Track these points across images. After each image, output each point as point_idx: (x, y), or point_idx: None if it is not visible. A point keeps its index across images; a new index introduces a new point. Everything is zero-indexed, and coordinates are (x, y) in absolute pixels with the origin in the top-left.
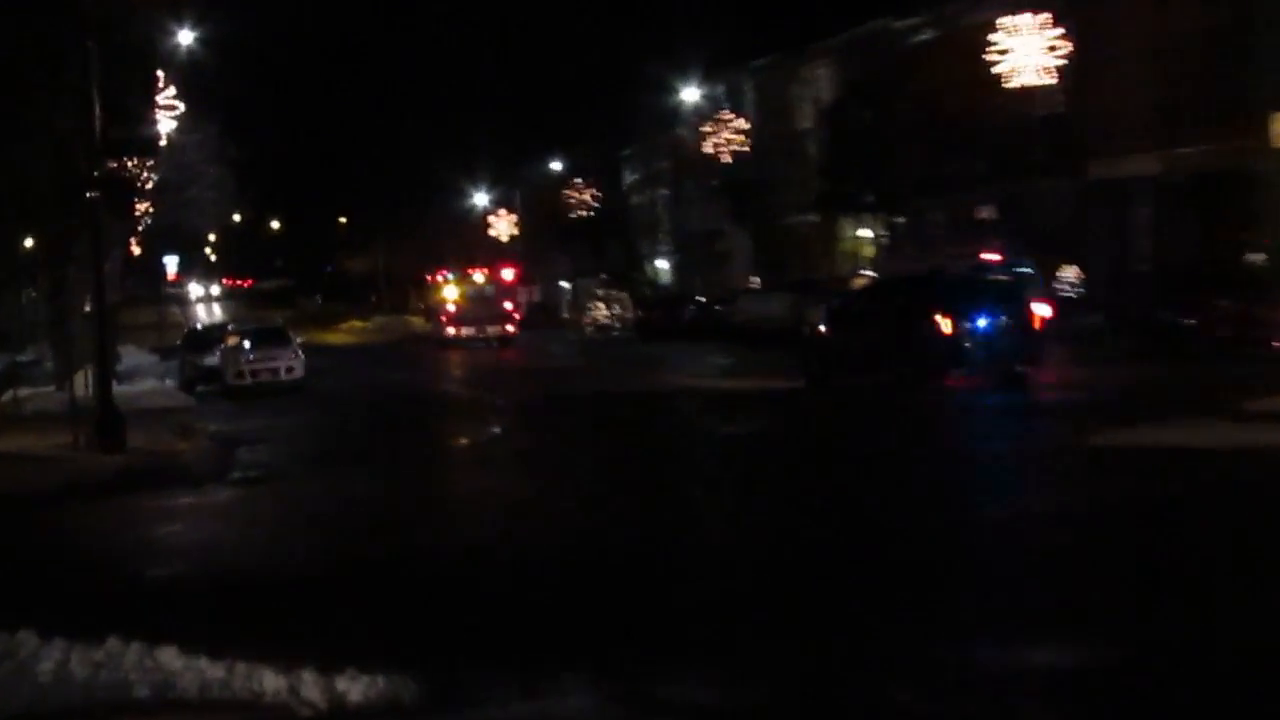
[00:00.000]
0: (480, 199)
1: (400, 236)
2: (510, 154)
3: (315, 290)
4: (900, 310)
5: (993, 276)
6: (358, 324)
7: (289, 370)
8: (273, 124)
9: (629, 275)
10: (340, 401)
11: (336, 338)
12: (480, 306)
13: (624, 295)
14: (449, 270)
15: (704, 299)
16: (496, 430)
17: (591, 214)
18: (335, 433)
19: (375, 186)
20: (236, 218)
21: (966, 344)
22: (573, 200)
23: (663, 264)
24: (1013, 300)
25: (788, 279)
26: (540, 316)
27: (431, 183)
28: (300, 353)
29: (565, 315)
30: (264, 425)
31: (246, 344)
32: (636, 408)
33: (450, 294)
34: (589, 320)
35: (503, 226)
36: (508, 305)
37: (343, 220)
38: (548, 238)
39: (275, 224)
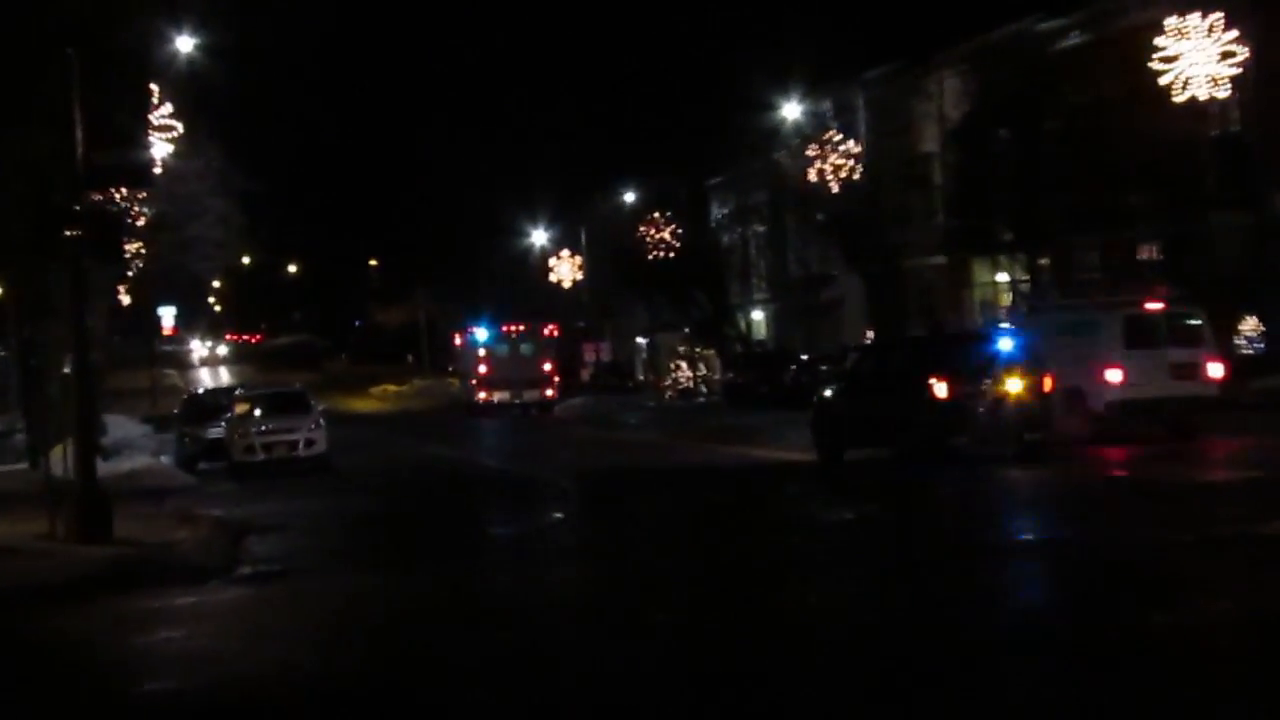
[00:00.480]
0: (539, 238)
1: (444, 284)
2: (575, 184)
3: (341, 348)
4: (899, 374)
5: (1002, 334)
6: (392, 389)
7: (309, 444)
8: (290, 149)
9: (717, 329)
10: (370, 482)
11: (367, 405)
12: (515, 367)
13: (711, 354)
14: (480, 326)
15: (807, 357)
16: (557, 516)
17: (672, 256)
18: (364, 520)
19: (414, 225)
20: (246, 261)
21: (967, 410)
22: (650, 239)
23: (758, 316)
24: (1022, 358)
25: (909, 333)
26: (611, 378)
27: (481, 220)
28: (322, 423)
29: (641, 377)
30: (279, 510)
31: (258, 413)
32: (721, 486)
33: (481, 353)
34: (669, 383)
35: (565, 270)
36: (547, 366)
37: (374, 264)
38: (619, 284)
39: (292, 268)
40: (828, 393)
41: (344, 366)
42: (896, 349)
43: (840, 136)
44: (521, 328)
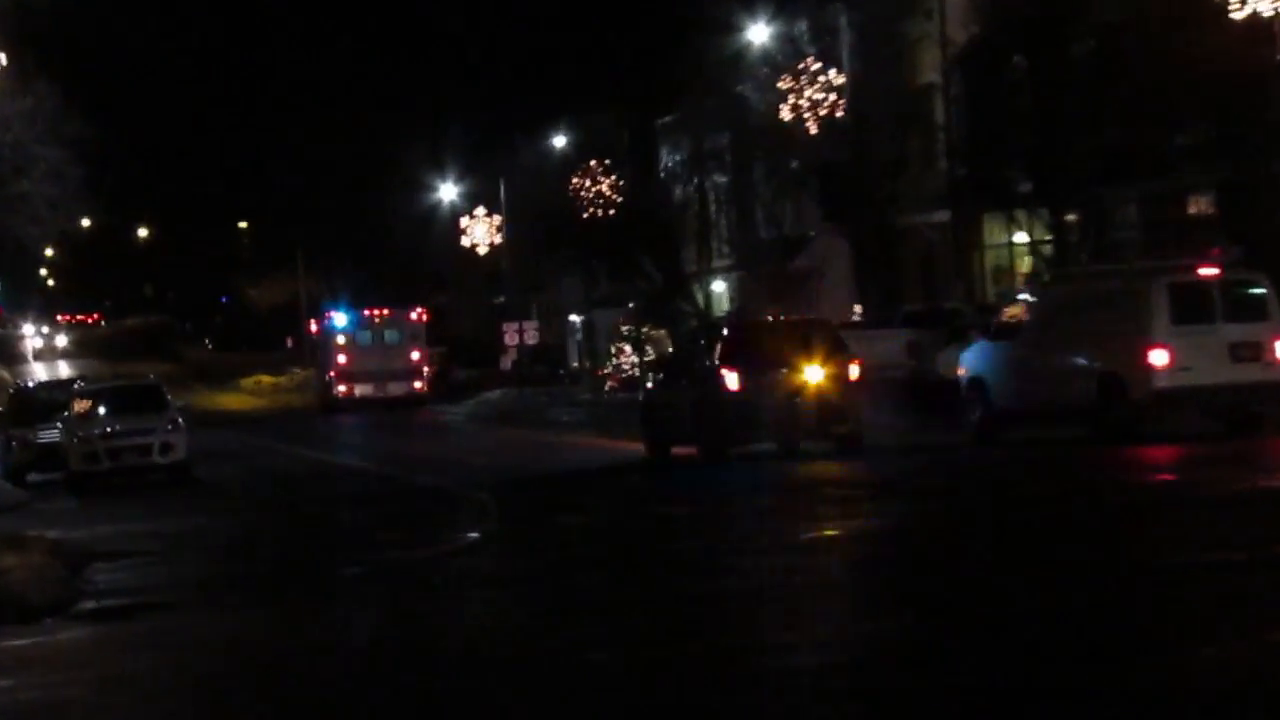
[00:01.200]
0: (448, 193)
1: (330, 252)
2: (491, 128)
3: (204, 332)
4: (702, 364)
5: (806, 319)
6: (267, 380)
7: (165, 449)
8: (142, 88)
9: (669, 304)
10: (241, 496)
11: (236, 401)
12: (379, 357)
13: (661, 334)
14: (338, 310)
15: None
16: (472, 537)
17: (613, 214)
18: (234, 544)
19: (292, 180)
20: (86, 224)
21: (760, 404)
22: (585, 194)
23: (719, 287)
24: (823, 350)
25: (905, 309)
26: (537, 367)
27: (376, 173)
28: (181, 423)
29: (575, 364)
30: (129, 532)
31: (102, 411)
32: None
33: (340, 341)
34: (608, 371)
35: (480, 233)
36: (415, 355)
37: (244, 228)
38: (548, 250)
39: (143, 233)
40: (650, 384)
41: (207, 354)
42: (715, 333)
43: (819, 65)
44: (385, 312)
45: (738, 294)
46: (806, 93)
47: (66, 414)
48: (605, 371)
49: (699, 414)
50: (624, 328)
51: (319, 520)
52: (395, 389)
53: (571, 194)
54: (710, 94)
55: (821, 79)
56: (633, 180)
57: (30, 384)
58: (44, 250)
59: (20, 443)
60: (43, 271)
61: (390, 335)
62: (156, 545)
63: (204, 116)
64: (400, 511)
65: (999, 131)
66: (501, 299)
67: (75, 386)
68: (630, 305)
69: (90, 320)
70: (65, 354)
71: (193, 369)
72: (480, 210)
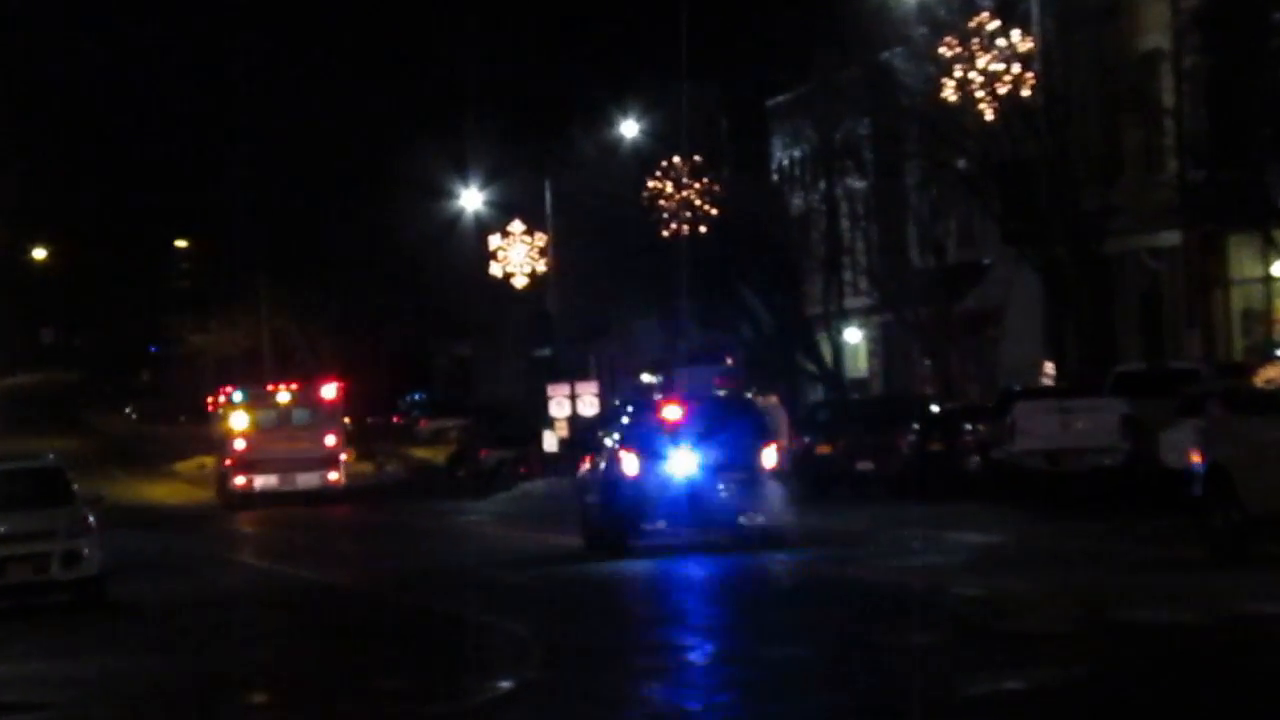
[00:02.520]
0: (472, 201)
1: (307, 282)
2: (532, 110)
3: (126, 393)
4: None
5: (723, 394)
6: (212, 463)
7: (70, 560)
8: (47, 63)
9: (784, 359)
10: (174, 625)
11: (170, 491)
12: (286, 441)
13: (773, 402)
14: (237, 387)
15: (943, 409)
16: (504, 687)
17: (707, 231)
18: (167, 695)
19: (253, 183)
20: None
21: (662, 488)
22: (666, 203)
23: (854, 336)
24: (742, 425)
25: (1118, 368)
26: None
27: (372, 175)
28: (93, 523)
29: None
30: (17, 678)
31: None
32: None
33: (238, 423)
34: None
35: (517, 257)
36: (330, 440)
37: (184, 249)
38: (613, 282)
39: (40, 254)
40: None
41: (130, 426)
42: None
43: (997, 24)
44: (293, 387)
45: (880, 345)
46: (980, 63)
47: None
48: None
49: (603, 501)
50: (721, 392)
51: (289, 660)
52: (304, 480)
53: (646, 202)
54: (844, 64)
55: (1001, 44)
56: (734, 184)
57: None
58: None
59: None
60: None
61: (298, 415)
62: (56, 697)
63: (130, 98)
64: (403, 649)
65: (1253, 119)
66: (547, 351)
67: None
68: (729, 361)
69: None
70: None
71: (110, 446)
72: (517, 226)
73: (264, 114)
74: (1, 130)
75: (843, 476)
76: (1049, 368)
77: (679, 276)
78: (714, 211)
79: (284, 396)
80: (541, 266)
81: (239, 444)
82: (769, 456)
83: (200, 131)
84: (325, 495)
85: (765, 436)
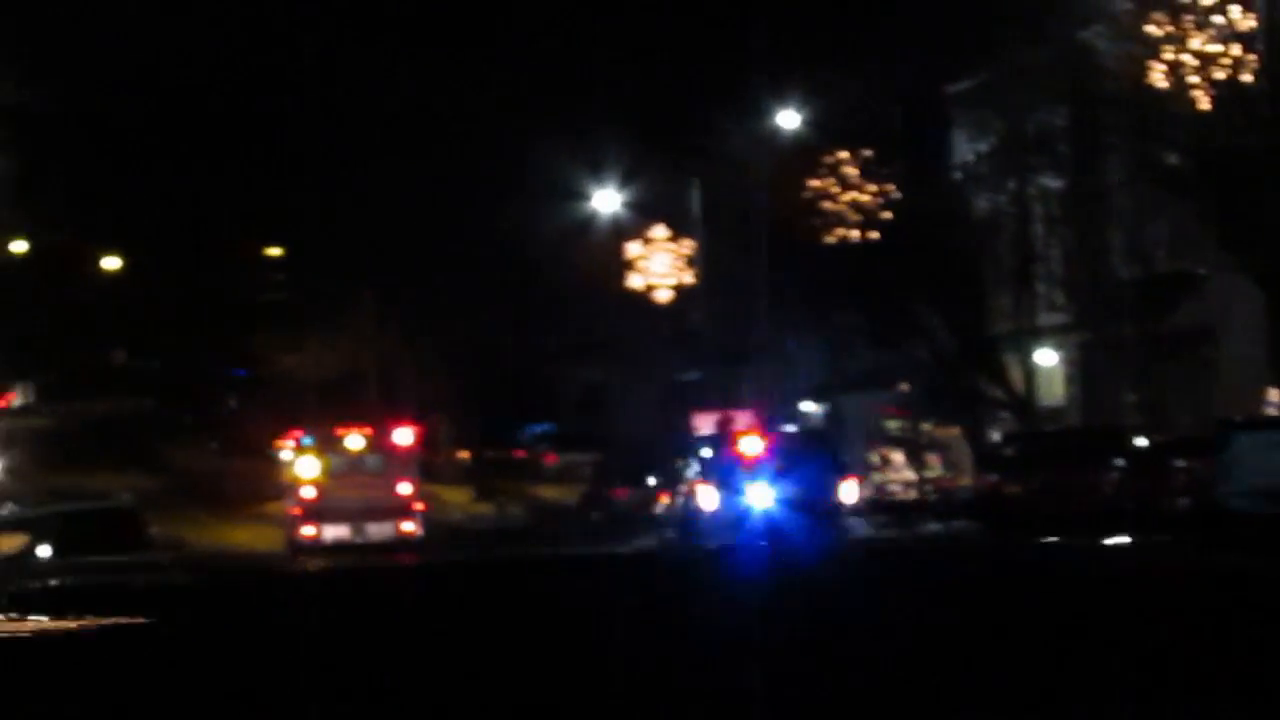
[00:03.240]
0: (606, 204)
1: (414, 296)
2: (676, 99)
3: (210, 425)
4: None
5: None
6: (279, 508)
7: None
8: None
9: (966, 385)
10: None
11: (256, 535)
12: (357, 489)
13: (954, 434)
14: (306, 432)
15: (1152, 443)
16: None
17: (878, 237)
18: None
19: (356, 181)
20: (20, 248)
21: (739, 523)
22: (831, 205)
23: (1048, 358)
24: (819, 460)
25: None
26: None
27: (488, 172)
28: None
29: None
30: None
31: (43, 555)
32: None
33: (306, 471)
34: (869, 495)
35: (660, 267)
36: (404, 488)
37: (275, 255)
38: (769, 295)
39: (110, 264)
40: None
41: (211, 458)
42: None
43: None
44: (366, 432)
45: (1077, 368)
46: (1193, 43)
47: None
48: (862, 495)
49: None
50: (892, 423)
51: None
52: (377, 531)
53: (808, 204)
54: (1035, 43)
55: (1218, 21)
56: (910, 183)
57: None
58: None
59: None
60: None
61: (371, 461)
62: None
63: (213, 85)
64: None
65: None
66: (694, 375)
67: (0, 512)
68: (903, 387)
69: (3, 402)
70: None
71: (189, 483)
72: (660, 231)
73: (368, 107)
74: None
75: (1034, 520)
76: (1275, 395)
77: (845, 289)
78: (886, 214)
79: (355, 441)
80: (687, 278)
81: (307, 491)
82: (847, 491)
83: (296, 126)
84: (399, 545)
85: (842, 471)
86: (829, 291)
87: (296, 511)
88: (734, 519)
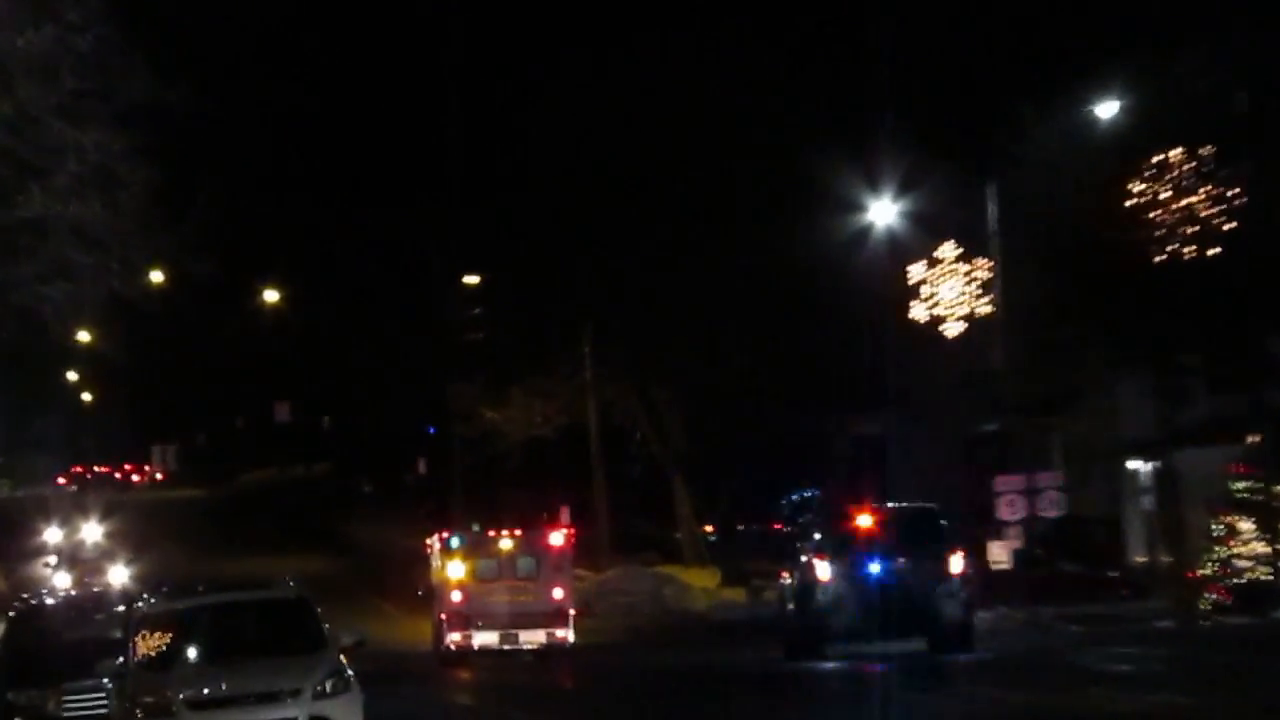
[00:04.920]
0: (882, 215)
1: (645, 336)
2: (963, 89)
3: (392, 490)
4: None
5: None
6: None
7: None
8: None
9: None
10: None
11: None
12: (508, 594)
13: None
14: (453, 532)
15: None
16: None
17: (1219, 254)
18: None
19: (573, 197)
20: (157, 280)
21: (854, 595)
22: (1162, 214)
23: None
24: (929, 532)
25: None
26: (1070, 562)
27: (729, 184)
28: (352, 679)
29: (1141, 557)
30: None
31: (194, 655)
32: None
33: (455, 573)
34: (1206, 572)
35: (949, 294)
36: (558, 592)
37: (472, 284)
38: (1082, 326)
39: (271, 296)
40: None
41: (397, 536)
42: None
43: None
44: (515, 533)
45: None
46: None
47: (121, 661)
48: (1202, 573)
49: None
50: (1239, 484)
51: None
52: (528, 638)
53: (1131, 214)
54: None
55: None
56: (1259, 186)
57: (48, 599)
58: (74, 329)
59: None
60: (71, 374)
61: (523, 564)
62: None
63: (389, 85)
64: None
65: None
66: (992, 426)
67: (138, 606)
68: (1252, 439)
69: (152, 477)
70: (99, 516)
71: (371, 567)
72: (948, 249)
73: (582, 105)
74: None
75: None
76: None
77: (1178, 319)
78: (1229, 225)
79: (506, 543)
80: (982, 306)
81: (455, 596)
82: (956, 564)
83: (498, 130)
84: (551, 651)
85: (952, 543)
86: (1159, 322)
87: (444, 617)
88: (849, 591)
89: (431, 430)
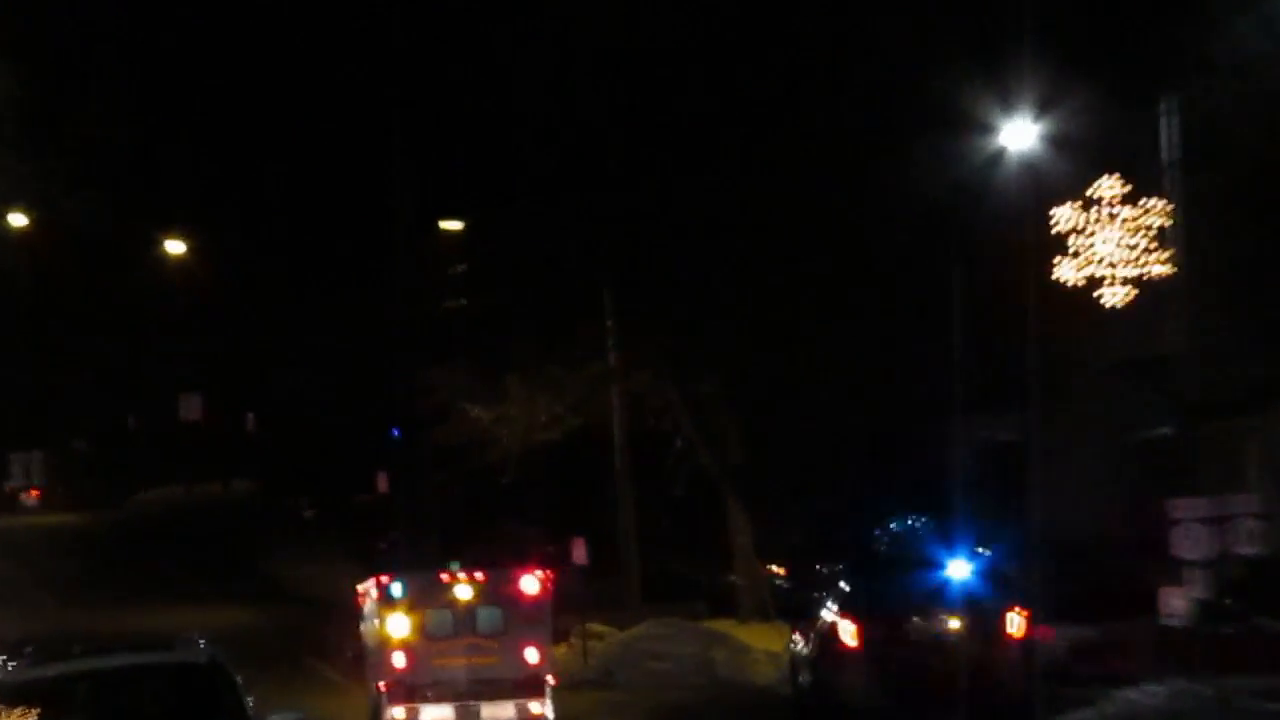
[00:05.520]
0: (1016, 139)
1: (689, 310)
2: None
3: (344, 516)
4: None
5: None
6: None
7: None
8: None
9: None
10: None
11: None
12: (465, 656)
13: None
14: (394, 576)
15: None
16: None
17: None
18: None
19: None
20: (18, 224)
21: (889, 663)
22: None
23: None
24: (981, 586)
25: None
26: (1260, 619)
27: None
28: None
29: None
30: None
31: None
32: None
33: (396, 629)
34: None
35: (1107, 245)
36: (532, 654)
37: (454, 231)
38: None
39: (175, 248)
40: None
41: (346, 579)
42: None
43: None
44: (476, 578)
45: None
46: None
47: None
48: None
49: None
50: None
51: None
52: (493, 713)
53: None
54: None
55: None
56: None
57: None
58: None
59: None
60: None
61: (485, 617)
62: None
63: None
64: None
65: None
66: (1165, 430)
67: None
68: None
69: (30, 497)
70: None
71: (315, 619)
72: (1110, 186)
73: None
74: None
75: None
76: None
77: None
78: None
79: (464, 590)
80: (1157, 265)
81: (397, 660)
82: (1013, 623)
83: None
84: None
85: (1009, 599)
86: None
87: (383, 687)
88: (882, 659)
89: (396, 434)
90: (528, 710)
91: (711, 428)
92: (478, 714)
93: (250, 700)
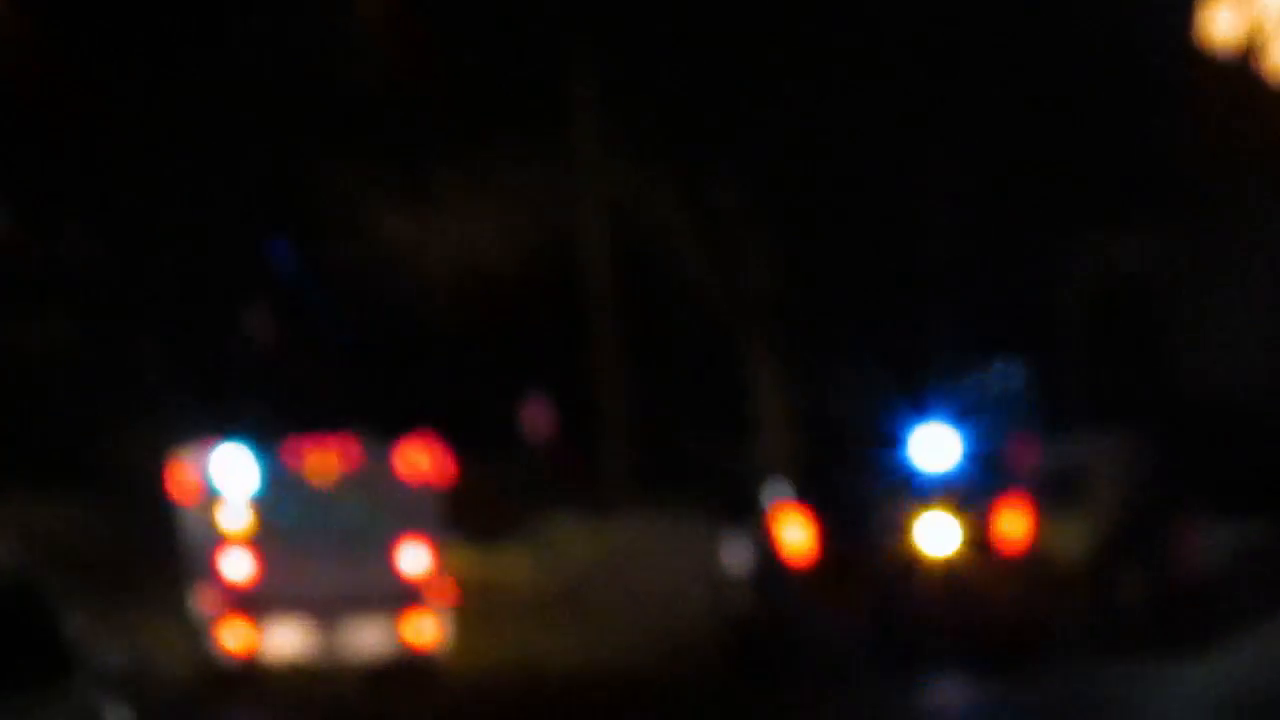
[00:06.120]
0: None
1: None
2: None
3: (211, 362)
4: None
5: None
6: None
7: None
8: None
9: None
10: None
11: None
12: (322, 560)
13: None
14: (224, 447)
15: None
16: None
17: None
18: None
19: None
20: None
21: (867, 585)
22: None
23: None
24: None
25: None
26: None
27: None
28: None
29: None
30: None
31: None
32: None
33: (232, 521)
34: None
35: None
36: (413, 555)
37: None
38: None
39: None
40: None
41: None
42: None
43: None
44: (340, 450)
45: None
46: None
47: None
48: None
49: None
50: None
51: None
52: (362, 637)
53: None
54: None
55: None
56: None
57: None
58: None
59: None
60: None
61: (349, 509)
62: None
63: None
64: None
65: None
66: None
67: None
68: None
69: None
70: None
71: (167, 516)
72: None
73: None
74: None
75: None
76: None
77: None
78: None
79: (321, 463)
80: None
81: (233, 566)
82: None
83: None
84: (405, 667)
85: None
86: None
87: (213, 605)
88: (854, 578)
89: (279, 253)
90: (401, 633)
91: (726, 249)
92: (341, 635)
93: (72, 626)
